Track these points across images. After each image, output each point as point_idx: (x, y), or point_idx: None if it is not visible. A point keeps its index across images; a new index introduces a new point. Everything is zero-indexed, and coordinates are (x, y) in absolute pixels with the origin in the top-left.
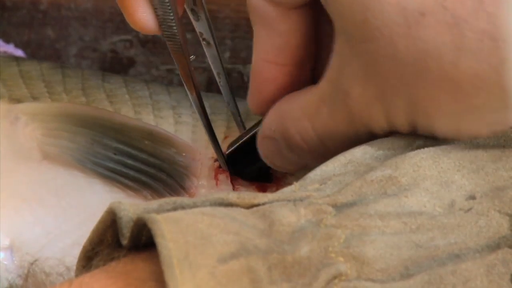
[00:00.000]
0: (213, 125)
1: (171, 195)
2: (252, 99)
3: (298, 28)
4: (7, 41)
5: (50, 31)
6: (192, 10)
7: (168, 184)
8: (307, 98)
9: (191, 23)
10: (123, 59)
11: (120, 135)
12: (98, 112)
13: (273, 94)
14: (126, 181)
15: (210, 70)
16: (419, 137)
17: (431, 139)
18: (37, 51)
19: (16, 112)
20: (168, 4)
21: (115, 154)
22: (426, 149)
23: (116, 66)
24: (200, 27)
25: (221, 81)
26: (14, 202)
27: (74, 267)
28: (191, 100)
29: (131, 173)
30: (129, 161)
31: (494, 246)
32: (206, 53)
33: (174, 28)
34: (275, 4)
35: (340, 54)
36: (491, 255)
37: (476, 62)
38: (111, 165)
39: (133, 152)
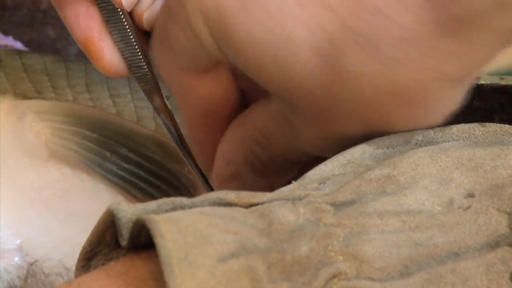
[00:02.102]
0: None
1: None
2: (199, 159)
3: (217, 86)
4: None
5: (50, 31)
6: None
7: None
8: (261, 119)
9: None
10: None
11: (130, 141)
12: (109, 117)
13: (214, 150)
14: (133, 191)
15: None
16: (417, 132)
17: (430, 134)
18: (37, 50)
19: (23, 109)
20: (134, 44)
21: (126, 162)
22: (424, 148)
23: None
24: None
25: None
26: (22, 202)
27: (74, 268)
28: (172, 138)
29: (141, 184)
30: (139, 171)
31: (493, 245)
32: None
33: (144, 68)
34: (188, 73)
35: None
36: (491, 254)
37: (395, 75)
38: (120, 172)
39: (143, 162)
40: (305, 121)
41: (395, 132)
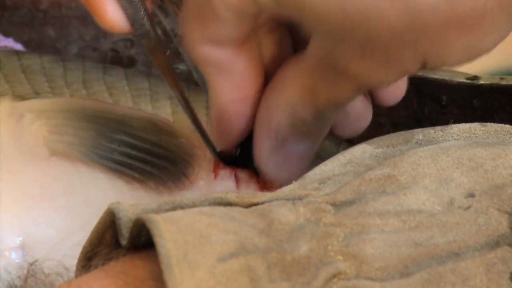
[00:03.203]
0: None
1: (174, 184)
2: (222, 139)
3: (251, 59)
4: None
5: (50, 30)
6: (160, 7)
7: (171, 172)
8: (299, 78)
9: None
10: (123, 58)
11: (123, 126)
12: (100, 104)
13: (241, 127)
14: (131, 173)
15: None
16: (418, 132)
17: (430, 133)
18: (37, 50)
19: (21, 110)
20: (137, 2)
21: (119, 146)
22: (425, 147)
23: (116, 65)
24: (170, 23)
25: (197, 74)
26: (24, 201)
27: (74, 268)
28: (174, 95)
29: (136, 164)
30: (133, 152)
31: (494, 245)
32: (180, 49)
33: (147, 25)
34: (224, 46)
35: (322, 46)
36: (491, 254)
37: (465, 4)
38: (116, 157)
39: (137, 142)
40: (358, 55)
41: (447, 64)
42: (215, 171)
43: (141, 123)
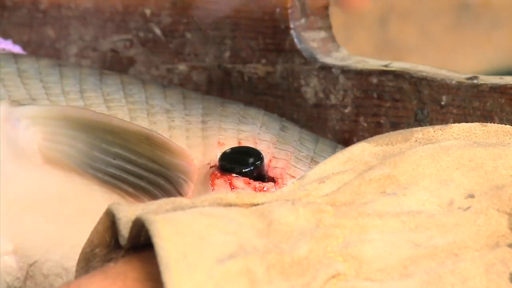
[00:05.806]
0: (206, 128)
1: None
2: None
3: None
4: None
5: (50, 31)
6: None
7: (166, 190)
8: None
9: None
10: (123, 58)
11: (119, 139)
12: (97, 116)
13: None
14: (125, 187)
15: (210, 69)
16: (417, 130)
17: (430, 132)
18: (37, 50)
19: (17, 115)
20: None
21: (114, 159)
22: (425, 146)
23: (116, 65)
24: None
25: None
26: (17, 207)
27: (73, 269)
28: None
29: (130, 178)
30: (128, 166)
31: (493, 245)
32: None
33: None
34: None
35: None
36: (490, 254)
37: None
38: (110, 170)
39: (132, 157)
40: None
41: None
42: (212, 180)
43: (137, 137)
